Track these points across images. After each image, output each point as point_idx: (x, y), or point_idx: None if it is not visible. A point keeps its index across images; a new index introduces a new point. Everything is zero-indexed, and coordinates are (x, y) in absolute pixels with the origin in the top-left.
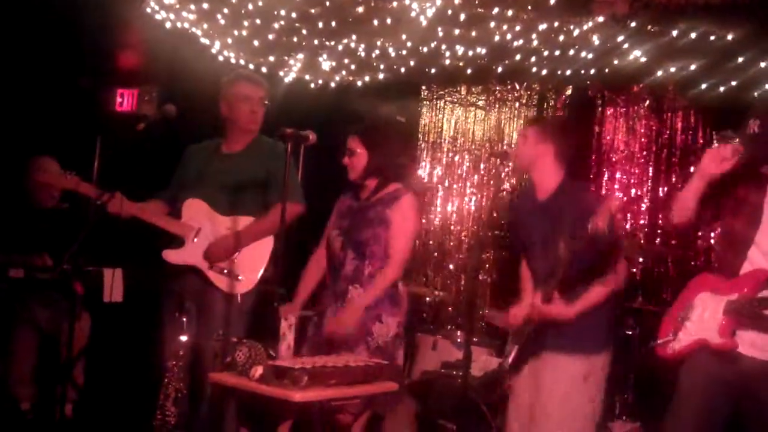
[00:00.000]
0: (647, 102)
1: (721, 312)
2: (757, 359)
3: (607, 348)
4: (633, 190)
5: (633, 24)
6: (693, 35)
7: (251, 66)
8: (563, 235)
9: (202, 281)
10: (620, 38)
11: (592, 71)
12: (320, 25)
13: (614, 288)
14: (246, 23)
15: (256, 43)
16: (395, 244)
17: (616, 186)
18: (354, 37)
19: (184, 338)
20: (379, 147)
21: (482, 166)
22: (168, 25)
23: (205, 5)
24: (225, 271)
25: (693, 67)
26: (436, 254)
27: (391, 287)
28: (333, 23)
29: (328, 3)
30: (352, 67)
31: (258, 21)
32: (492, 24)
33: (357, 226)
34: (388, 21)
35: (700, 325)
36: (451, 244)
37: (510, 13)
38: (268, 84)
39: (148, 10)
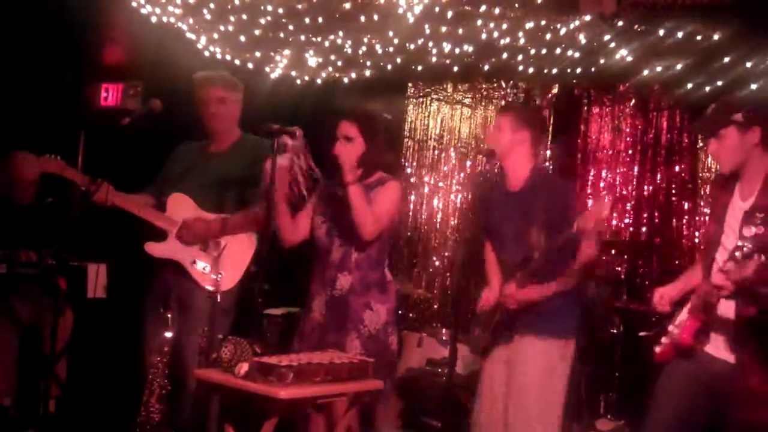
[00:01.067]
0: (633, 101)
1: (686, 311)
2: (717, 358)
3: (574, 334)
4: (618, 189)
5: (620, 23)
6: (679, 35)
7: (237, 61)
8: (539, 226)
9: (184, 277)
10: (607, 37)
11: (579, 70)
12: (307, 21)
13: (583, 278)
14: (232, 18)
15: (242, 38)
16: (375, 208)
17: (602, 185)
18: (341, 33)
19: (168, 334)
20: (374, 136)
21: (468, 163)
22: (154, 19)
23: (191, 0)
24: (206, 268)
25: (679, 66)
26: (421, 251)
27: (379, 273)
28: (320, 19)
29: None
30: (339, 63)
31: (244, 16)
32: (479, 22)
33: (343, 212)
34: (375, 17)
35: (677, 326)
36: (437, 241)
37: (497, 11)
38: (253, 80)
39: (134, 4)
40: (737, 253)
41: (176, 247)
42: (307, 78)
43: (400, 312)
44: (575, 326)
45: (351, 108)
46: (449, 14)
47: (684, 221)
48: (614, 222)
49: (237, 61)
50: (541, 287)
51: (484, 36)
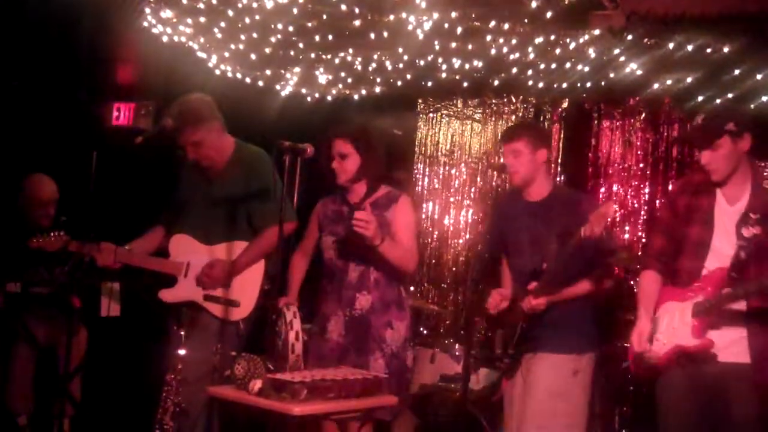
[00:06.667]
0: (643, 115)
1: (689, 316)
2: (728, 363)
3: (592, 349)
4: (630, 203)
5: (629, 37)
6: (689, 48)
7: (248, 80)
8: (556, 234)
9: (200, 311)
10: (616, 51)
11: (589, 84)
12: (317, 38)
13: (599, 289)
14: (243, 37)
15: (253, 56)
16: (402, 237)
17: (614, 199)
18: (350, 50)
19: (182, 352)
20: (369, 149)
21: (479, 179)
22: (165, 39)
23: (202, 19)
24: (221, 299)
25: (689, 79)
26: (433, 267)
27: (397, 291)
28: (330, 37)
29: (324, 16)
30: (349, 80)
31: (255, 35)
32: (488, 37)
33: (356, 231)
34: (385, 34)
35: (671, 333)
36: (449, 257)
37: (506, 26)
38: (263, 97)
39: (145, 24)
40: (742, 253)
41: (187, 287)
42: (317, 95)
43: (420, 328)
44: (591, 339)
45: (341, 125)
46: (459, 30)
47: None
48: (626, 236)
49: (248, 79)
50: (550, 297)
51: (493, 51)
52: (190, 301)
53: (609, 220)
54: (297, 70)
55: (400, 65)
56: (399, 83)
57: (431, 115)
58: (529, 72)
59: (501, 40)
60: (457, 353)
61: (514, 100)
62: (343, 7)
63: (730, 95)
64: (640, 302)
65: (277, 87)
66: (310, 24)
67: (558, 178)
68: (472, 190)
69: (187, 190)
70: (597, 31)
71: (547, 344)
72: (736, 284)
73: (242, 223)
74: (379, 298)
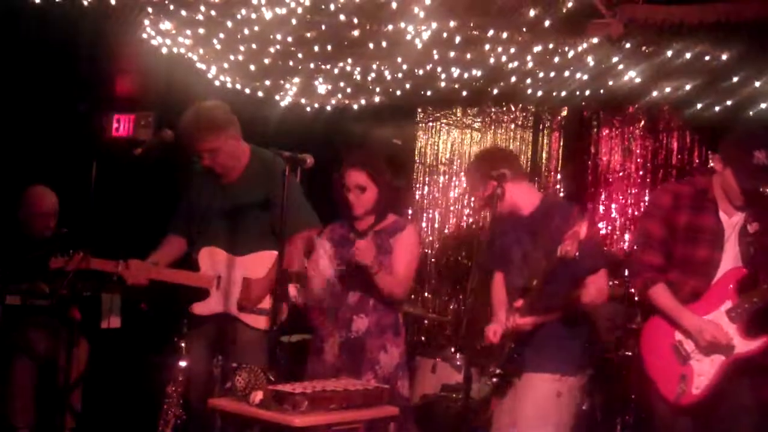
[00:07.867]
0: (642, 122)
1: (727, 323)
2: None
3: (581, 372)
4: (630, 210)
5: (627, 45)
6: (688, 55)
7: (247, 90)
8: (545, 249)
9: (235, 322)
10: (615, 59)
11: (588, 92)
12: (316, 48)
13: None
14: (242, 48)
15: (252, 67)
16: (398, 266)
17: (614, 206)
18: (350, 60)
19: (183, 363)
20: (385, 180)
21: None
22: (164, 50)
23: (201, 30)
24: (255, 309)
25: (688, 87)
26: (434, 276)
27: (394, 316)
28: (329, 47)
29: (323, 27)
30: (348, 90)
31: (254, 45)
32: (487, 46)
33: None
34: (384, 44)
35: (713, 349)
36: (449, 266)
37: (505, 35)
38: (263, 108)
39: (144, 35)
40: (751, 249)
41: (219, 300)
42: (316, 105)
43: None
44: (579, 362)
45: (356, 155)
46: (457, 39)
47: None
48: (626, 244)
49: (247, 90)
50: (539, 318)
51: (492, 60)
52: (224, 314)
53: (582, 238)
54: (296, 80)
55: (399, 75)
56: (398, 93)
57: (431, 124)
58: (528, 80)
59: (500, 49)
60: (458, 363)
61: (513, 108)
62: (342, 17)
63: (728, 102)
64: (676, 310)
65: (277, 97)
66: (309, 34)
67: (557, 187)
68: (472, 199)
69: (203, 199)
70: (595, 40)
71: (531, 364)
72: (755, 279)
73: (266, 232)
74: (376, 322)
